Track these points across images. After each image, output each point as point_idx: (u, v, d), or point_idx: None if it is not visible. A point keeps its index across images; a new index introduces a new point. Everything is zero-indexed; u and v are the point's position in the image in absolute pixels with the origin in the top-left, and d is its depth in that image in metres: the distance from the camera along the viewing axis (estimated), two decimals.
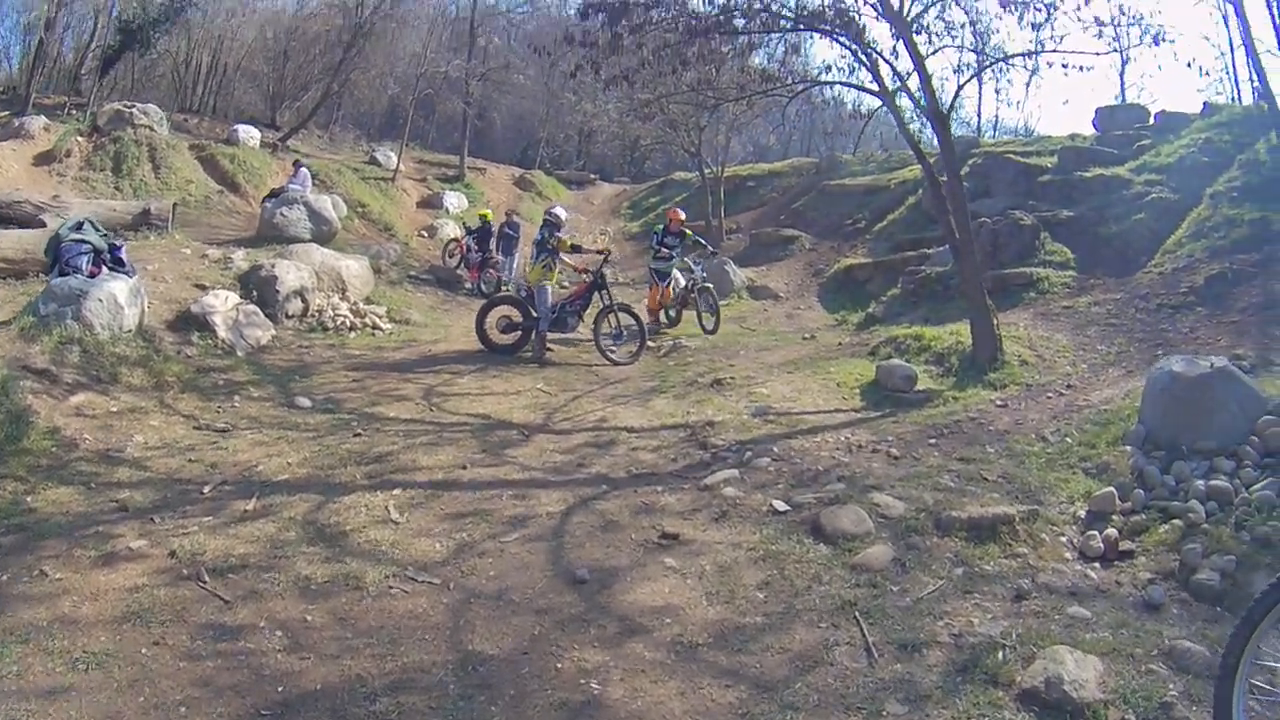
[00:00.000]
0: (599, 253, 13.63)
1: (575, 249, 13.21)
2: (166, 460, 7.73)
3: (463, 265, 20.43)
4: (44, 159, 20.31)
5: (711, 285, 15.23)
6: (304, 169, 20.73)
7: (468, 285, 19.76)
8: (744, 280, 19.50)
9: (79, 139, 21.30)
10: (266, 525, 6.22)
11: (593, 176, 37.08)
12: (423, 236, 24.52)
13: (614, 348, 12.70)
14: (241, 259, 14.89)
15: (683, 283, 14.67)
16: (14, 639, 4.51)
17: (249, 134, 26.02)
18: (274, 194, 18.95)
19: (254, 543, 5.92)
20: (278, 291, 13.54)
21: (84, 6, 26.44)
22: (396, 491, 6.93)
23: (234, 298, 12.62)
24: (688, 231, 14.93)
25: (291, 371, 11.30)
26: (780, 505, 6.36)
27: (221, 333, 11.73)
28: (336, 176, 24.88)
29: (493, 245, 19.82)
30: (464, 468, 7.61)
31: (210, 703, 4.10)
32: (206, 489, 6.98)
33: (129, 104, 23.15)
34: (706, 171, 24.26)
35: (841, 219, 21.39)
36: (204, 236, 17.34)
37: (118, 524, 6.20)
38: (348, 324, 14.02)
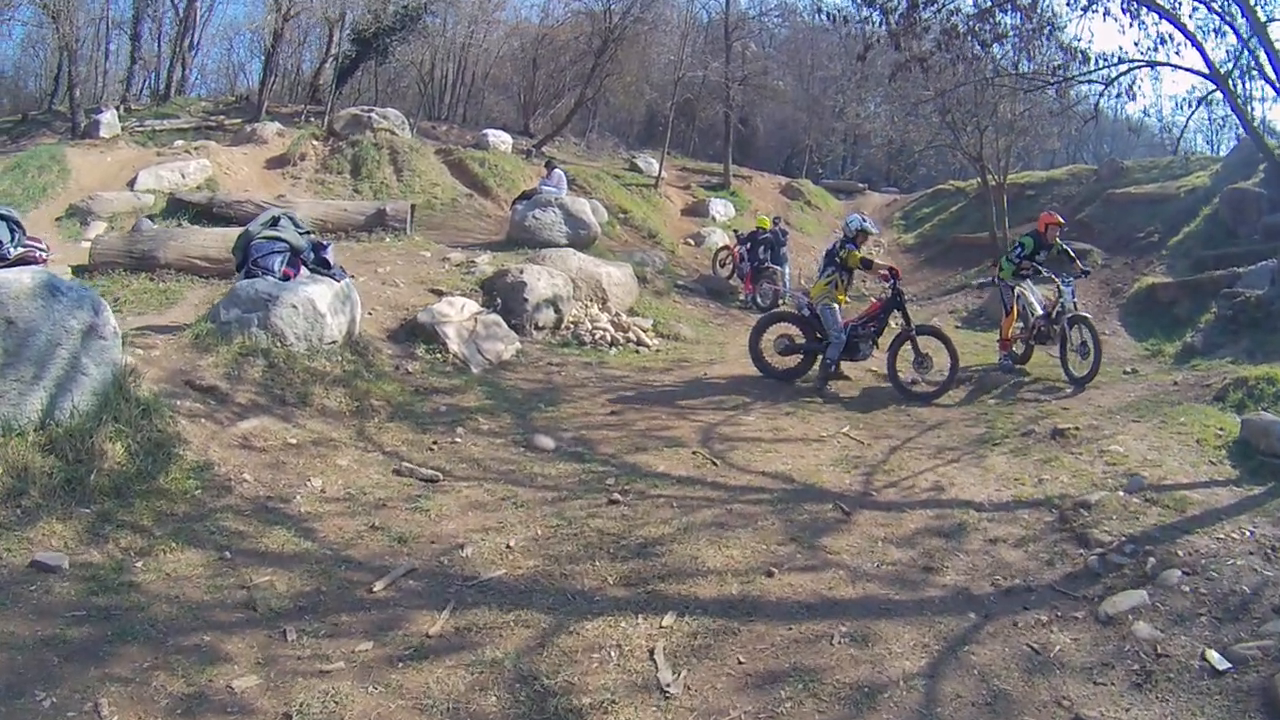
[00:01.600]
0: (888, 270, 10.66)
1: (865, 264, 10.46)
2: (341, 523, 5.50)
3: (735, 275, 18.19)
4: (277, 163, 19.84)
5: (1090, 317, 11.04)
6: (558, 170, 18.71)
7: (742, 297, 17.47)
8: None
9: (314, 143, 20.72)
10: (455, 672, 3.77)
11: (861, 186, 34.14)
12: (689, 244, 22.37)
13: (917, 380, 10.04)
14: (486, 263, 12.99)
15: (1038, 310, 10.93)
16: None
17: (499, 138, 24.78)
18: (525, 196, 17.14)
19: (426, 712, 3.44)
20: (525, 300, 11.46)
21: (315, 18, 26.57)
22: (668, 619, 4.35)
23: (472, 306, 10.62)
24: (1058, 241, 11.12)
25: (535, 396, 9.00)
26: (1217, 659, 4.14)
27: (453, 345, 9.67)
28: (595, 182, 23.18)
29: (762, 254, 17.40)
30: (769, 573, 4.92)
31: None
32: (379, 585, 4.62)
33: (366, 108, 22.46)
34: (989, 180, 21.05)
35: (1131, 231, 18.56)
36: (449, 240, 15.92)
37: (233, 634, 4.01)
38: (607, 338, 11.73)
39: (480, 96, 33.72)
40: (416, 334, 9.80)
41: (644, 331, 12.26)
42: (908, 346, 10.05)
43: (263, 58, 27.74)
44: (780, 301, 16.44)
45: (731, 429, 8.12)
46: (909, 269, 21.34)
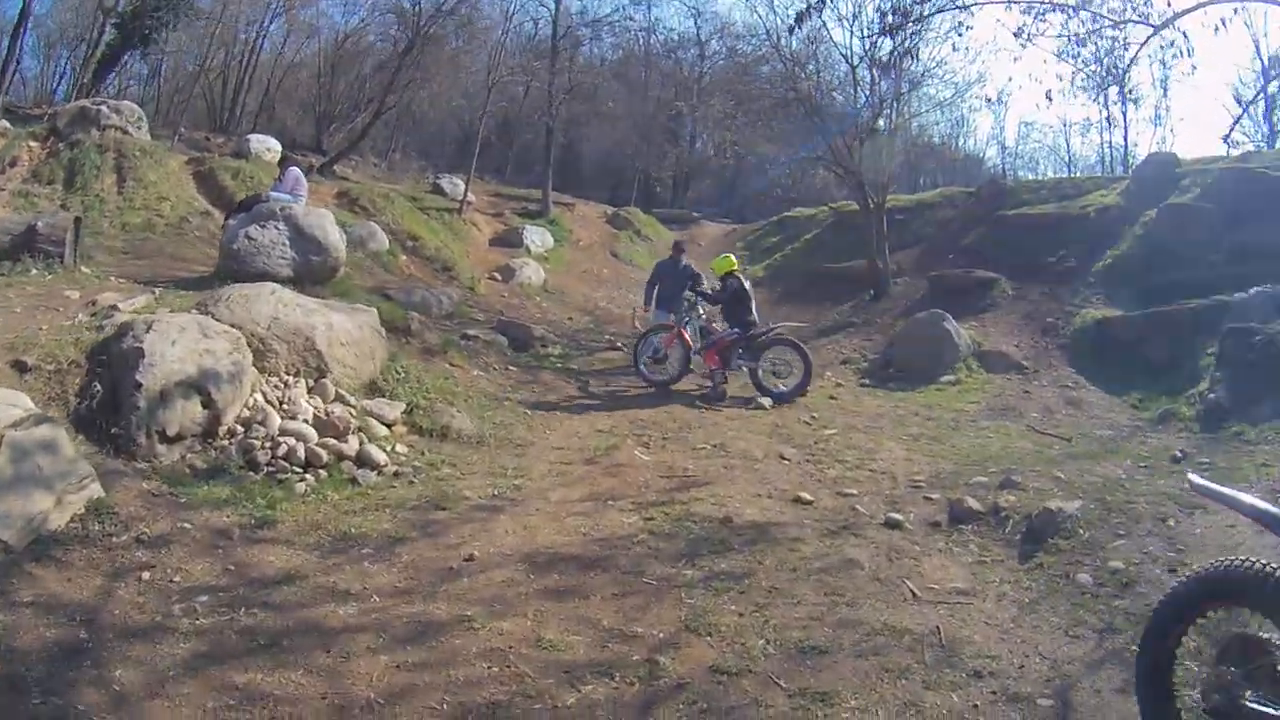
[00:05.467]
0: None
1: None
2: None
3: (699, 357, 10.42)
4: None
5: None
6: (295, 169, 12.02)
7: (708, 377, 10.18)
8: (969, 343, 11.72)
9: (31, 144, 14.42)
10: None
11: (695, 215, 29.41)
12: (495, 280, 16.84)
13: None
14: (133, 311, 7.03)
15: None
16: None
17: (264, 144, 18.26)
18: (245, 206, 10.83)
19: None
20: (139, 384, 5.55)
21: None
22: None
23: (15, 406, 4.78)
24: None
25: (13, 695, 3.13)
26: None
27: None
28: (383, 203, 17.44)
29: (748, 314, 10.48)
30: None
31: None
32: None
33: (98, 100, 16.20)
34: (870, 200, 16.51)
35: (1036, 256, 14.81)
36: (149, 272, 10.04)
37: None
38: (301, 454, 5.95)
39: (272, 107, 27.31)
40: None
41: (384, 429, 6.63)
42: None
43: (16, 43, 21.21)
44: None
45: None
46: (765, 305, 16.22)
